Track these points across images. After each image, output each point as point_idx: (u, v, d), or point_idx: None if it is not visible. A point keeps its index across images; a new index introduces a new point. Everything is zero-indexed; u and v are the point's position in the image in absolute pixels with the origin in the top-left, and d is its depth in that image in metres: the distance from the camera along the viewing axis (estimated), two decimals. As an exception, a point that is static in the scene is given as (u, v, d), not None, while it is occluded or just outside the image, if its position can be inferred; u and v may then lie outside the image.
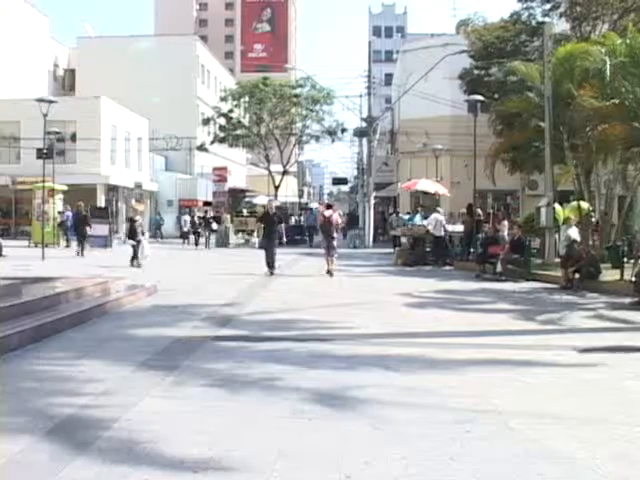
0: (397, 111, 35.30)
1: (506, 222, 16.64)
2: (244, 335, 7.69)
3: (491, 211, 22.69)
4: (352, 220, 30.68)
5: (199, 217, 29.25)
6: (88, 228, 22.47)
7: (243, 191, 49.43)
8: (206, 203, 38.42)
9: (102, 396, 4.97)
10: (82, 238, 21.92)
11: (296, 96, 38.54)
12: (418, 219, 21.43)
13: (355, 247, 26.98)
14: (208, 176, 41.96)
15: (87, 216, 23.07)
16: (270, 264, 14.98)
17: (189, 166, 42.30)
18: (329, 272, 14.92)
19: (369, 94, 32.15)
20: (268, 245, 15.05)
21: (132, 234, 17.20)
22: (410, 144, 31.17)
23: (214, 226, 28.37)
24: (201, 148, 40.41)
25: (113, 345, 7.02)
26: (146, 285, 11.50)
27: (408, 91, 26.92)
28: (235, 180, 47.82)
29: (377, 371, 5.88)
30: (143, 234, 15.68)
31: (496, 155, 19.11)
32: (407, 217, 22.50)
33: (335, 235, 15.77)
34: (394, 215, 27.96)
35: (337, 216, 16.54)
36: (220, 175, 42.14)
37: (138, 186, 35.12)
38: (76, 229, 22.86)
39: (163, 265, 17.66)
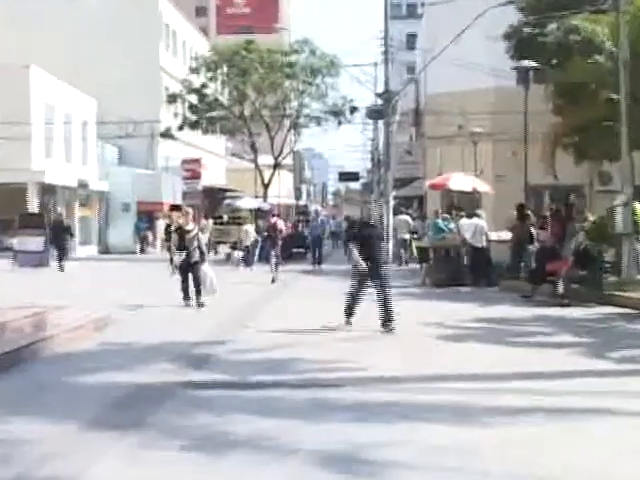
0: (423, 83, 35.48)
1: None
2: (226, 381, 7.74)
3: (548, 213, 22.77)
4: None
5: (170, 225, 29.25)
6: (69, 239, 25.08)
7: (222, 191, 49.73)
8: (174, 207, 38.42)
9: (38, 464, 5.03)
10: (62, 252, 24.12)
11: (290, 65, 38.83)
12: (445, 225, 21.48)
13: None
14: (176, 171, 42.17)
15: (70, 225, 25.72)
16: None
17: (151, 159, 42.52)
18: (274, 280, 19.16)
19: (386, 62, 32.32)
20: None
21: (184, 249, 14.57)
22: (440, 127, 31.29)
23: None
24: (166, 135, 40.63)
25: (51, 396, 7.08)
26: (95, 316, 11.58)
27: (437, 57, 27.08)
28: (212, 176, 48.04)
29: (397, 425, 5.96)
30: (202, 255, 14.38)
31: (555, 139, 19.23)
32: (440, 222, 22.50)
33: (279, 242, 20.47)
34: (419, 220, 28.06)
35: (282, 223, 21.26)
36: (192, 170, 42.41)
37: (83, 185, 35.30)
38: (54, 241, 24.64)
39: (119, 288, 17.74)
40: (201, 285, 14.11)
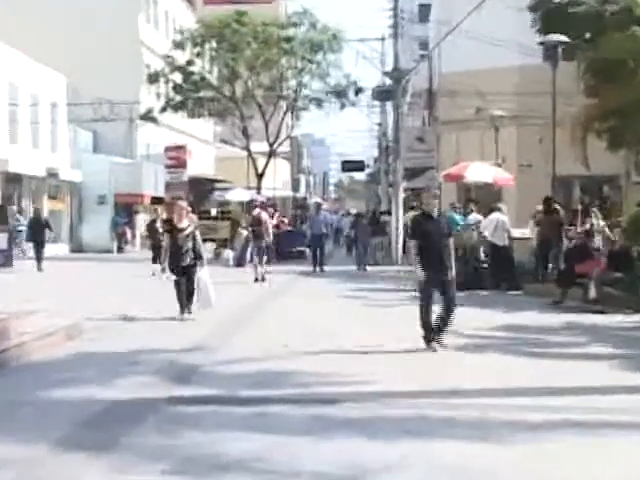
0: (437, 61, 35.45)
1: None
2: (214, 395, 7.75)
3: (579, 207, 22.76)
4: (373, 223, 30.55)
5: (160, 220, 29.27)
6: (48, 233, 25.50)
7: (211, 181, 49.77)
8: (155, 200, 38.49)
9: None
10: (41, 250, 24.70)
11: (288, 40, 38.81)
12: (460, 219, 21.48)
13: (377, 264, 27.09)
14: (158, 160, 42.18)
15: (48, 220, 26.46)
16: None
17: (130, 145, 42.54)
18: (258, 280, 20.15)
19: (395, 36, 32.39)
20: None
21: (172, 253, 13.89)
22: (456, 110, 31.25)
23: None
24: (147, 118, 40.58)
25: (18, 413, 7.08)
26: (67, 323, 11.57)
27: (454, 30, 27.08)
28: (198, 165, 48.05)
29: (409, 444, 5.99)
30: (200, 259, 13.62)
31: (587, 124, 19.19)
32: (455, 216, 22.45)
33: (266, 238, 21.15)
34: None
35: (267, 216, 21.81)
36: (176, 158, 42.40)
37: (52, 175, 35.33)
38: (32, 238, 25.22)
39: (94, 292, 17.76)
40: (193, 295, 13.37)
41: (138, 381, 8.40)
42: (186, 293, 13.40)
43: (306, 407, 7.23)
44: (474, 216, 19.36)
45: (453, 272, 10.34)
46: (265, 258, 21.35)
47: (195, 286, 13.34)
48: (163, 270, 13.96)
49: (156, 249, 21.52)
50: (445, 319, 10.29)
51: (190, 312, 13.38)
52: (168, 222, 14.33)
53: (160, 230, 19.35)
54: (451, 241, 10.59)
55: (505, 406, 7.34)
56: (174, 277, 13.52)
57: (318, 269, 25.39)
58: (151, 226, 25.81)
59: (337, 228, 44.35)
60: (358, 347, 10.52)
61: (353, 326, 12.80)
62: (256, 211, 22.45)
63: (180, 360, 9.65)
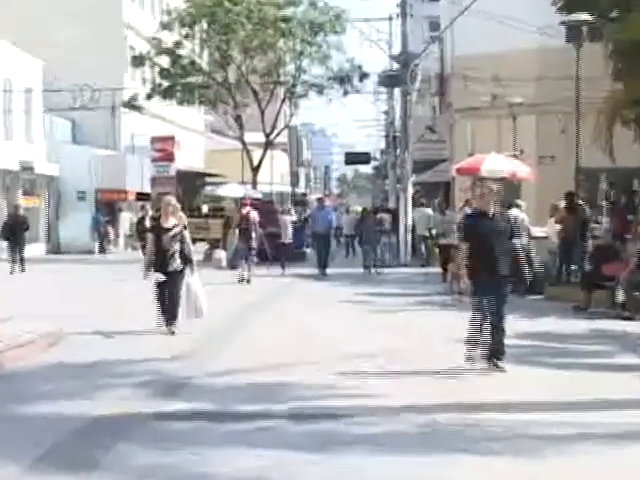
0: (449, 43, 35.45)
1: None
2: (205, 410, 7.73)
3: (605, 203, 22.78)
4: (381, 222, 30.33)
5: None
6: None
7: (201, 175, 49.74)
8: (141, 196, 38.42)
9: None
10: (21, 251, 25.10)
11: (285, 20, 38.77)
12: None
13: (384, 265, 27.02)
14: (144, 152, 42.08)
15: (27, 219, 26.91)
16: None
17: (112, 136, 42.48)
18: (243, 280, 21.22)
19: (403, 16, 32.37)
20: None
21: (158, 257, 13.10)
22: (471, 97, 31.25)
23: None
24: (132, 106, 40.59)
25: (-12, 430, 7.07)
26: (44, 331, 11.51)
27: (467, 9, 27.06)
28: (188, 158, 47.91)
29: (425, 461, 5.98)
30: (190, 264, 12.99)
31: (614, 111, 19.18)
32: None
33: (254, 236, 21.99)
34: (443, 212, 27.92)
35: (256, 215, 22.61)
36: (163, 150, 42.15)
37: (27, 169, 35.25)
38: (11, 238, 25.31)
39: (74, 297, 17.73)
40: (178, 307, 12.62)
41: (121, 394, 8.37)
42: (169, 304, 12.58)
43: (305, 422, 7.21)
44: (513, 212, 19.15)
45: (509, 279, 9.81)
46: (255, 260, 22.28)
47: (182, 295, 12.67)
48: (146, 274, 13.08)
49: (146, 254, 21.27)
50: (499, 331, 9.75)
51: (172, 330, 12.49)
52: (155, 222, 13.60)
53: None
54: (517, 244, 10.01)
55: (531, 421, 7.31)
56: (161, 278, 12.62)
57: (322, 271, 24.89)
58: (139, 225, 25.73)
59: (336, 226, 44.24)
60: (362, 355, 10.49)
61: (356, 333, 12.77)
62: (245, 210, 22.72)
63: (167, 371, 9.61)
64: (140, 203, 35.43)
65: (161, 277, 12.62)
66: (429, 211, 29.37)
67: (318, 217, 27.58)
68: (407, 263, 28.28)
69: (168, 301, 12.60)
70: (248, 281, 21.29)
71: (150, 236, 13.20)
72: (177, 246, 12.75)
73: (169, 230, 12.82)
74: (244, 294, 19.05)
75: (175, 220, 13.06)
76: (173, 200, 13.60)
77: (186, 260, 12.91)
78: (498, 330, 9.74)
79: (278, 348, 11.11)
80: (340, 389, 8.64)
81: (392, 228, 29.69)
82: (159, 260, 12.73)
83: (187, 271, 12.87)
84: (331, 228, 26.21)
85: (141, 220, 25.29)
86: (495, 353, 9.67)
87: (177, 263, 12.72)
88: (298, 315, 15.05)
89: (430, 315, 15.27)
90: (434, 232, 25.86)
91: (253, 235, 22.04)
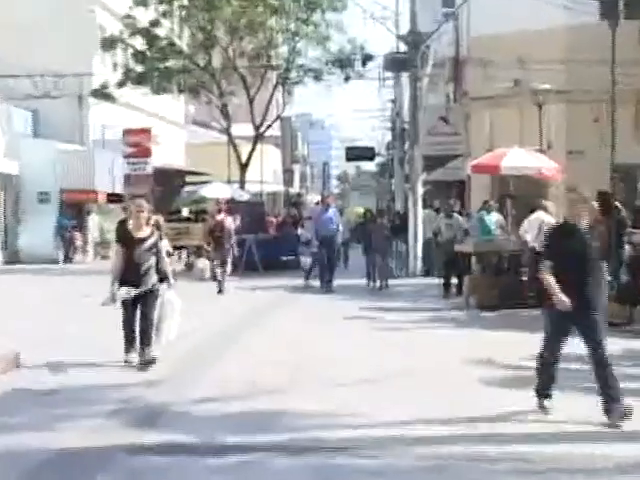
0: (465, 22, 35.53)
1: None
2: (185, 443, 7.73)
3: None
4: (392, 226, 30.21)
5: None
6: None
7: (182, 173, 49.94)
8: (112, 197, 38.42)
9: None
10: None
11: (277, -5, 38.88)
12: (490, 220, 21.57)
13: (392, 276, 26.94)
14: (116, 147, 42.06)
15: None
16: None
17: (79, 129, 42.59)
18: (221, 291, 22.20)
19: (412, -10, 32.39)
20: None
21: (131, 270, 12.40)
22: (489, 83, 31.27)
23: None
24: (101, 94, 40.58)
25: None
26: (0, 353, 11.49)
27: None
28: (166, 153, 48.01)
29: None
30: (166, 279, 12.37)
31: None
32: (487, 217, 22.44)
33: (227, 247, 22.73)
34: (460, 215, 27.82)
35: (232, 222, 23.69)
36: (138, 145, 42.06)
37: (-20, 166, 35.38)
38: None
39: (35, 314, 17.75)
40: (152, 330, 11.95)
41: (90, 425, 8.37)
42: (142, 329, 11.93)
43: (298, 456, 7.21)
44: (537, 215, 19.15)
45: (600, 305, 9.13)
46: (230, 269, 23.05)
47: (155, 317, 12.01)
48: (112, 296, 12.06)
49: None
50: (605, 371, 8.94)
51: (150, 362, 11.64)
52: (122, 227, 12.88)
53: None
54: (601, 264, 9.51)
55: (563, 454, 7.36)
56: (132, 293, 11.92)
57: (325, 285, 23.81)
58: (120, 230, 25.54)
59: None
60: (367, 379, 10.53)
61: (359, 352, 12.81)
62: (220, 216, 23.30)
63: (142, 398, 9.60)
64: (121, 205, 35.17)
65: (131, 292, 11.90)
66: (431, 212, 29.44)
67: (323, 219, 26.84)
68: (417, 274, 28.22)
69: (140, 325, 11.93)
70: (221, 291, 22.19)
71: (117, 248, 12.55)
72: (152, 260, 12.08)
73: (143, 241, 12.19)
74: (230, 309, 19.09)
75: (149, 229, 12.44)
76: (145, 204, 13.01)
77: (162, 276, 12.26)
78: (605, 366, 8.98)
79: (271, 370, 11.13)
80: (342, 417, 8.64)
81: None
82: (130, 277, 11.98)
83: (163, 286, 12.26)
84: (338, 230, 25.59)
85: (122, 223, 25.10)
86: (611, 399, 8.75)
87: (153, 280, 12.07)
88: (294, 332, 15.06)
89: (446, 333, 15.30)
90: (440, 238, 25.58)
91: (226, 246, 22.76)
